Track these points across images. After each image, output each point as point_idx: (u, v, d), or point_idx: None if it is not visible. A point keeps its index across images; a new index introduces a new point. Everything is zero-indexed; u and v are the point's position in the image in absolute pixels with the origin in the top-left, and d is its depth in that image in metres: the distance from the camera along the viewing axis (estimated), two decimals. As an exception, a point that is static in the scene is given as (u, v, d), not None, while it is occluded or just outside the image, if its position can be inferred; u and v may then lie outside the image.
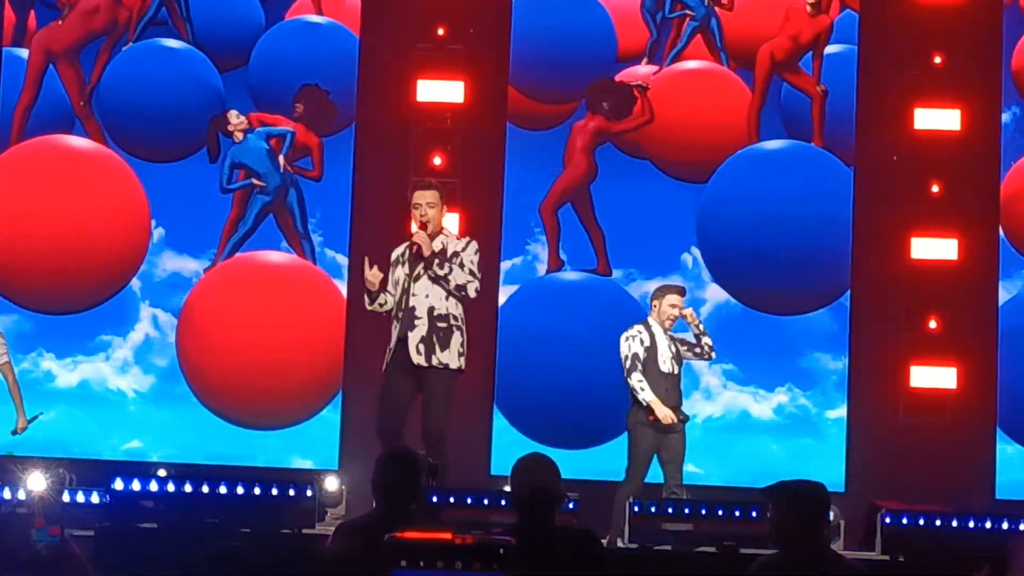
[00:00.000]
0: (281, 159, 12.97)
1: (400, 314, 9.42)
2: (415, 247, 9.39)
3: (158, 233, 12.99)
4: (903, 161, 12.19)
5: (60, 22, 13.00)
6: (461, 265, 9.40)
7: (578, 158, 13.17)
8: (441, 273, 9.33)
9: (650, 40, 13.45)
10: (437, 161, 12.02)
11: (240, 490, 9.16)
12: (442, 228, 9.58)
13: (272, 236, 13.06)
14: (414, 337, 9.34)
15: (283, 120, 13.06)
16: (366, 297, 9.55)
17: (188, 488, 9.16)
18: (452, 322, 9.42)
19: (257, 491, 9.18)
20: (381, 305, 9.52)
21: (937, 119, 12.19)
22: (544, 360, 12.69)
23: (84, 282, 12.86)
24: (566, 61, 13.15)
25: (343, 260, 12.78)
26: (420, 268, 9.39)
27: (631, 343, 10.39)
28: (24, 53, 13.03)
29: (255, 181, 12.97)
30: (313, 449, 12.75)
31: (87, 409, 12.97)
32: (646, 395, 10.18)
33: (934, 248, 12.08)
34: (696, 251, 13.11)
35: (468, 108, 12.06)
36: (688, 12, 13.39)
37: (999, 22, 12.49)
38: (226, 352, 12.78)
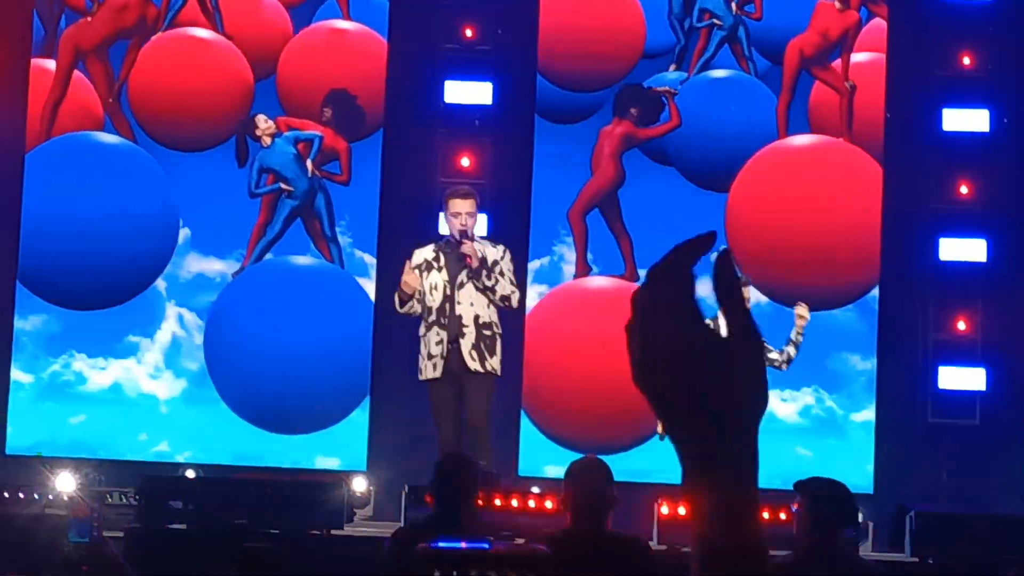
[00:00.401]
0: (309, 164, 12.92)
1: (443, 320, 9.45)
2: (467, 259, 9.41)
3: (183, 234, 12.96)
4: (932, 162, 12.13)
5: (89, 19, 12.96)
6: (501, 274, 9.43)
7: (606, 164, 13.11)
8: (489, 284, 9.47)
9: (677, 46, 13.40)
10: (465, 163, 12.00)
11: (269, 491, 9.17)
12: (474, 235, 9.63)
13: (300, 240, 13.04)
14: (466, 344, 9.46)
15: (311, 124, 13.00)
16: (398, 299, 9.55)
17: (217, 489, 9.17)
18: (495, 330, 9.61)
19: (286, 492, 9.20)
20: (411, 308, 9.54)
21: (966, 120, 12.13)
22: (569, 365, 12.65)
23: (112, 278, 12.85)
24: (594, 48, 13.11)
25: (371, 260, 12.75)
26: (463, 276, 9.43)
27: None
28: (52, 64, 13.03)
29: (283, 185, 12.93)
30: (338, 448, 12.74)
31: (116, 411, 12.98)
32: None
33: (963, 249, 12.03)
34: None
35: (496, 109, 12.03)
36: (716, 21, 13.33)
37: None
38: (257, 357, 12.75)
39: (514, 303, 9.66)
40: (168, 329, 13.07)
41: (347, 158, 12.98)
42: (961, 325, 12.03)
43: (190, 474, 10.17)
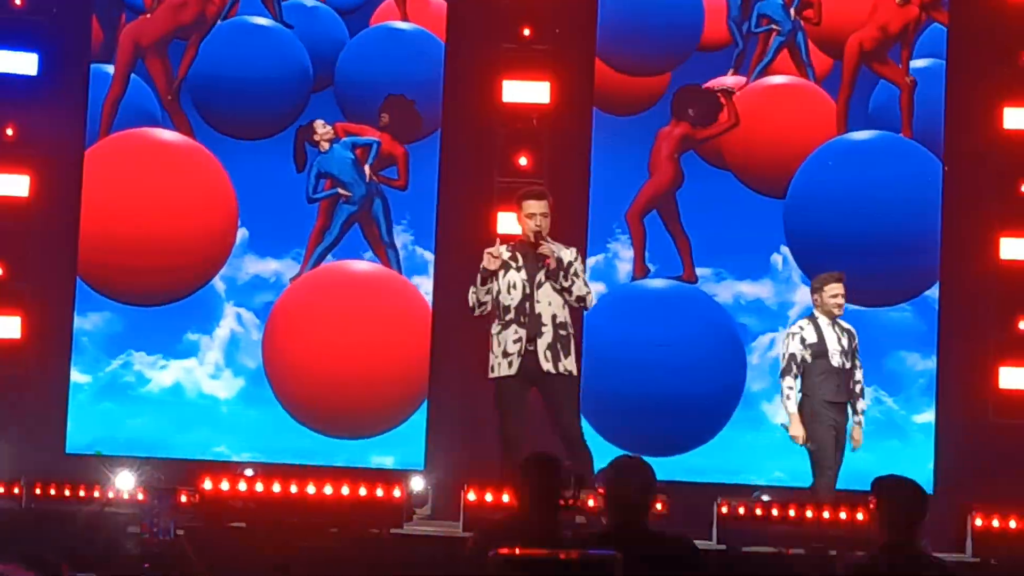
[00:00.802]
0: (367, 169, 12.97)
1: (522, 319, 9.49)
2: (547, 260, 9.49)
3: (241, 234, 13.00)
4: (992, 161, 12.03)
5: (148, 16, 13.02)
6: (576, 275, 9.55)
7: (664, 165, 13.12)
8: (566, 285, 9.51)
9: (735, 51, 13.38)
10: (523, 162, 11.97)
11: (328, 490, 9.17)
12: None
13: (358, 245, 13.06)
14: (542, 344, 9.51)
15: (369, 130, 13.05)
16: (477, 287, 9.52)
17: (276, 488, 9.16)
18: (570, 330, 9.66)
19: (345, 491, 9.18)
20: (482, 301, 9.53)
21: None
22: (631, 367, 12.62)
23: (172, 275, 12.88)
24: (652, 33, 13.09)
25: (431, 256, 12.74)
26: (541, 276, 9.50)
27: (790, 341, 10.19)
28: (111, 69, 13.09)
29: (341, 191, 12.97)
30: (392, 447, 12.74)
31: (176, 410, 13.02)
32: (789, 405, 10.05)
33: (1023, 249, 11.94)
34: (786, 250, 13.00)
35: (554, 108, 12.00)
36: (774, 27, 13.30)
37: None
38: (314, 363, 12.76)
39: (589, 304, 9.71)
40: (227, 326, 13.14)
41: (404, 163, 13.02)
42: (1022, 325, 11.93)
43: (248, 472, 10.16)
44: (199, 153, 12.99)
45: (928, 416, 12.44)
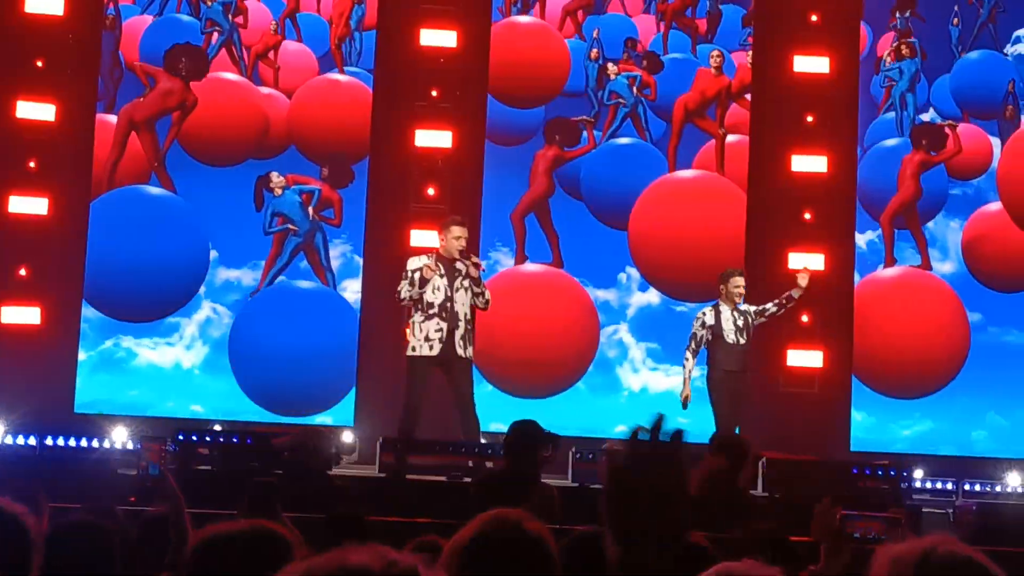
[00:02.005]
0: (311, 210, 13.12)
1: (444, 314, 9.51)
2: (474, 270, 9.55)
3: (213, 254, 13.06)
4: (784, 195, 12.13)
5: (142, 99, 13.06)
6: (483, 285, 9.66)
7: (540, 179, 13.44)
8: (478, 290, 9.55)
9: (592, 111, 13.66)
10: (431, 192, 11.96)
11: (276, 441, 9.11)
12: None
13: (302, 269, 13.18)
14: (458, 335, 9.53)
15: (313, 180, 13.26)
16: (417, 284, 9.53)
17: (235, 440, 9.10)
18: (473, 326, 9.73)
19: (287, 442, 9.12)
20: (413, 298, 9.56)
21: (808, 163, 12.16)
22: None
23: (160, 298, 12.82)
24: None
25: (360, 260, 12.77)
26: (458, 281, 9.55)
27: (695, 323, 10.15)
28: (112, 119, 13.01)
29: (290, 227, 13.09)
30: (331, 410, 12.73)
31: (160, 378, 12.93)
32: (684, 372, 10.02)
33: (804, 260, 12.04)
34: (631, 269, 13.23)
35: (455, 151, 12.01)
36: (621, 101, 13.62)
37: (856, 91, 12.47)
38: (269, 360, 12.71)
39: (489, 306, 9.75)
40: (203, 315, 13.19)
41: (339, 207, 13.24)
42: (805, 318, 12.03)
43: (216, 428, 10.09)
44: (180, 205, 12.95)
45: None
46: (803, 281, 10.32)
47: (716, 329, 10.01)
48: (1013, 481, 11.22)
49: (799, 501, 8.88)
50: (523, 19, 14.14)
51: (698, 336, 10.03)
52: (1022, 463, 11.77)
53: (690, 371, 9.99)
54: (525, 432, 6.97)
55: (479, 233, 12.21)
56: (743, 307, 10.20)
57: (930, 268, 13.22)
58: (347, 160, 13.17)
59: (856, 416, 12.41)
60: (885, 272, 13.40)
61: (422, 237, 11.14)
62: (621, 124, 13.62)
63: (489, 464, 9.10)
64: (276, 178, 13.09)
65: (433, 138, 12.00)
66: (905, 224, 13.36)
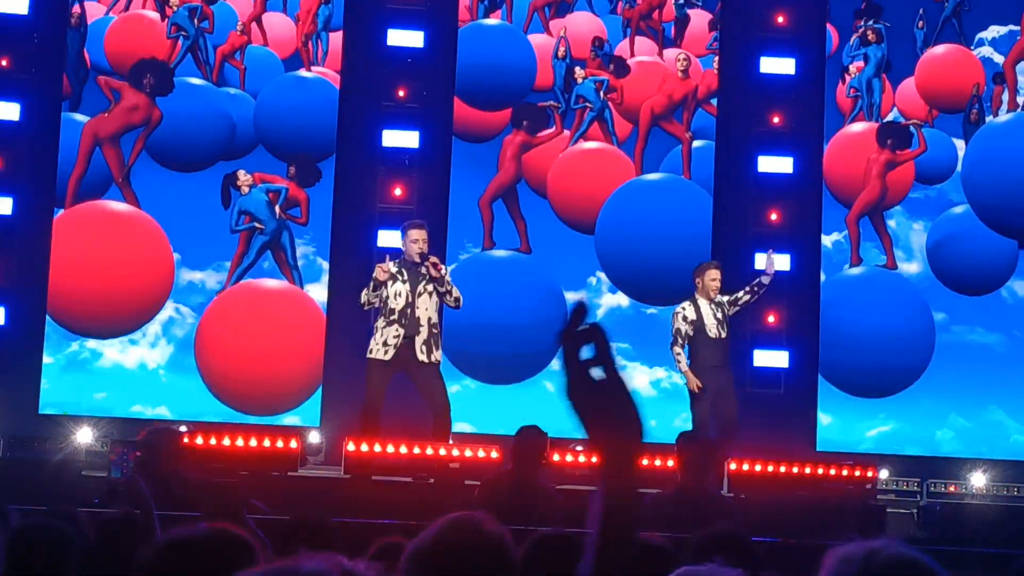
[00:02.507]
0: (277, 209, 13.02)
1: (403, 320, 9.39)
2: (438, 268, 9.44)
3: (176, 257, 12.97)
4: (749, 194, 12.16)
5: (107, 114, 12.96)
6: (451, 284, 9.53)
7: (508, 164, 13.46)
8: (443, 290, 9.40)
9: (560, 110, 13.67)
10: (398, 192, 11.94)
11: (240, 443, 9.07)
12: None
13: (268, 267, 13.10)
14: (419, 340, 9.39)
15: (279, 179, 13.15)
16: (370, 290, 9.43)
17: (199, 440, 9.06)
18: (439, 329, 9.60)
19: (253, 443, 9.11)
20: (371, 302, 9.47)
21: (774, 164, 12.21)
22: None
23: (124, 314, 12.73)
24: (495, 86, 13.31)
25: (326, 264, 12.70)
26: (422, 286, 9.41)
27: (675, 319, 9.99)
28: (79, 117, 12.89)
29: (257, 225, 13.00)
30: (299, 410, 12.68)
31: (126, 379, 12.85)
32: (681, 366, 9.93)
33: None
34: (600, 273, 13.26)
35: (421, 151, 12.00)
36: (588, 105, 13.65)
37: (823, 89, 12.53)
38: (238, 359, 12.63)
39: (460, 304, 9.59)
40: (166, 315, 13.13)
41: (306, 206, 13.11)
42: (771, 319, 12.08)
43: (182, 428, 10.02)
44: (143, 220, 12.86)
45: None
46: (765, 265, 10.30)
47: (698, 324, 9.94)
48: (977, 481, 11.31)
49: (765, 502, 8.93)
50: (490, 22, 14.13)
51: (682, 331, 9.93)
52: (987, 463, 11.87)
53: (685, 363, 9.93)
54: (530, 437, 7.16)
55: (447, 233, 12.22)
56: (718, 299, 10.15)
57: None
58: (313, 161, 13.10)
59: (823, 419, 12.46)
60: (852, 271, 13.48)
61: (389, 238, 11.10)
62: (588, 128, 13.66)
63: (454, 465, 9.07)
64: (243, 176, 13.02)
65: (400, 138, 11.99)
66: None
